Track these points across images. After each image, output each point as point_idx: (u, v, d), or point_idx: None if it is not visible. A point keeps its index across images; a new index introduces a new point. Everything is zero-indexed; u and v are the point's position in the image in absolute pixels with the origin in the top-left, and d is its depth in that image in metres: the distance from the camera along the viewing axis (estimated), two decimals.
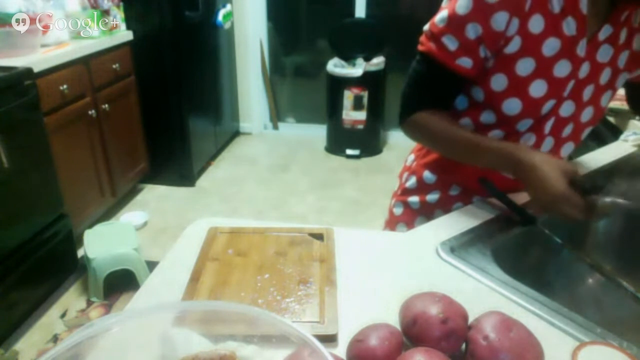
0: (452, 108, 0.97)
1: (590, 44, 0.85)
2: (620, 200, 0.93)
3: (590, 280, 0.94)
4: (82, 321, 2.03)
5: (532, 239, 0.90)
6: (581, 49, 0.85)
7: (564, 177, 0.78)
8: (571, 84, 0.87)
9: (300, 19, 4.13)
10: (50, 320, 2.03)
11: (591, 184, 0.80)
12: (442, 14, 0.85)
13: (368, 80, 3.51)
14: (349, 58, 3.63)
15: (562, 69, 0.84)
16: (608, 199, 0.81)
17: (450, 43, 0.84)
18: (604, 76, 0.90)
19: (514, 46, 0.82)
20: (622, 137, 1.32)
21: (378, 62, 3.54)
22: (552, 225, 0.90)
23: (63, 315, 2.06)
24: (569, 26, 0.82)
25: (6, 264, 1.87)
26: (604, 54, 0.87)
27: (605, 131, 1.45)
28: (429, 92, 0.93)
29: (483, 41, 0.83)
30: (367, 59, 3.56)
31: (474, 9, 0.81)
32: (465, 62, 0.85)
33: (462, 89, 0.93)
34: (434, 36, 0.86)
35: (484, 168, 0.93)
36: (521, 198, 0.96)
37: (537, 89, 0.85)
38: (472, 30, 0.82)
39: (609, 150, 1.24)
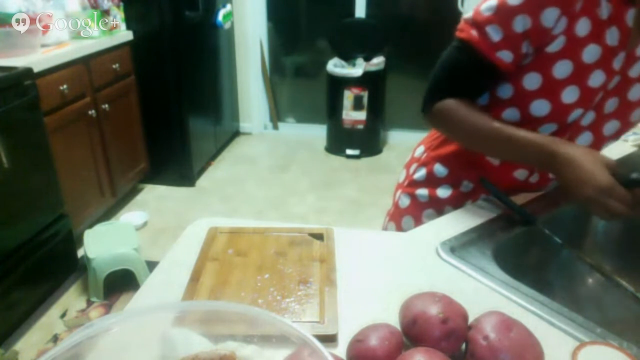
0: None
1: (627, 58, 0.83)
2: None
3: (590, 280, 0.94)
4: (82, 321, 2.03)
5: (532, 239, 0.90)
6: (618, 62, 0.82)
7: (607, 170, 0.74)
8: (600, 95, 0.85)
9: (300, 19, 4.12)
10: (50, 320, 2.03)
11: (637, 175, 0.74)
12: (490, 2, 0.82)
13: (368, 80, 3.51)
14: (349, 58, 3.63)
15: (596, 79, 0.82)
16: None
17: (495, 33, 0.81)
18: (634, 92, 0.87)
19: (556, 46, 0.80)
20: (622, 137, 1.31)
21: (378, 62, 3.54)
22: (552, 225, 0.90)
23: (63, 315, 2.06)
24: (612, 36, 0.80)
25: (6, 264, 1.87)
26: (636, 69, 0.85)
27: None
28: (462, 80, 0.89)
29: (529, 36, 0.80)
30: (367, 59, 3.55)
31: (527, 0, 0.78)
32: (506, 56, 0.82)
33: (497, 82, 0.88)
34: (477, 24, 0.83)
35: (503, 162, 0.91)
36: (521, 198, 0.96)
37: (569, 95, 0.83)
38: (521, 23, 0.79)
39: (609, 150, 1.23)
